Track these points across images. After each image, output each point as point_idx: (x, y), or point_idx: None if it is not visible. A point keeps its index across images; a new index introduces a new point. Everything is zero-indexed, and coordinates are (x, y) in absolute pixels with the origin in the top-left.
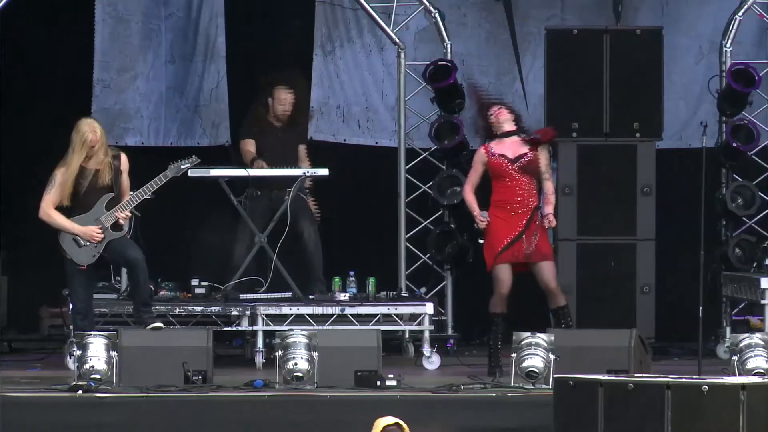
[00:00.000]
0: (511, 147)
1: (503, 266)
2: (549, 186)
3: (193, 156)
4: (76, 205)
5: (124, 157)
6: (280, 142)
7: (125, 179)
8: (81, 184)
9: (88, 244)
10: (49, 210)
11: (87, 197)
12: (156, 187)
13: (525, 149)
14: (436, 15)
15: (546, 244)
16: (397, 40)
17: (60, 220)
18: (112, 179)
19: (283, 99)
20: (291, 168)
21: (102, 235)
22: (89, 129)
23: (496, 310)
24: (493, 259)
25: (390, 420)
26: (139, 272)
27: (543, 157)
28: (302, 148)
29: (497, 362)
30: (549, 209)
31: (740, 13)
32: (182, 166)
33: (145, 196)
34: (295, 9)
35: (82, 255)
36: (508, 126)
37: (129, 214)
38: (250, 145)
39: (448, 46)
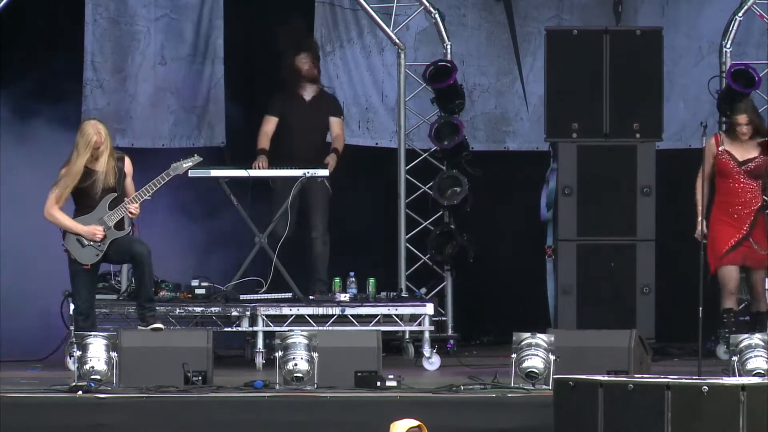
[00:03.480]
0: (742, 147)
1: (728, 267)
2: None
3: (195, 155)
4: (80, 206)
5: (128, 160)
6: (306, 118)
7: (129, 182)
8: (86, 185)
9: (91, 243)
10: (52, 210)
11: (91, 198)
12: (159, 186)
13: (755, 152)
14: (436, 15)
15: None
16: (397, 41)
17: (63, 220)
18: (116, 181)
19: (301, 61)
20: (315, 147)
21: (104, 234)
22: (94, 131)
23: (726, 305)
24: (719, 261)
25: (413, 422)
26: (144, 267)
27: None
28: (334, 121)
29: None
30: None
31: (740, 14)
32: (184, 165)
33: (149, 195)
34: (294, 9)
35: (86, 254)
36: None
37: (138, 208)
38: (269, 123)
39: (448, 46)
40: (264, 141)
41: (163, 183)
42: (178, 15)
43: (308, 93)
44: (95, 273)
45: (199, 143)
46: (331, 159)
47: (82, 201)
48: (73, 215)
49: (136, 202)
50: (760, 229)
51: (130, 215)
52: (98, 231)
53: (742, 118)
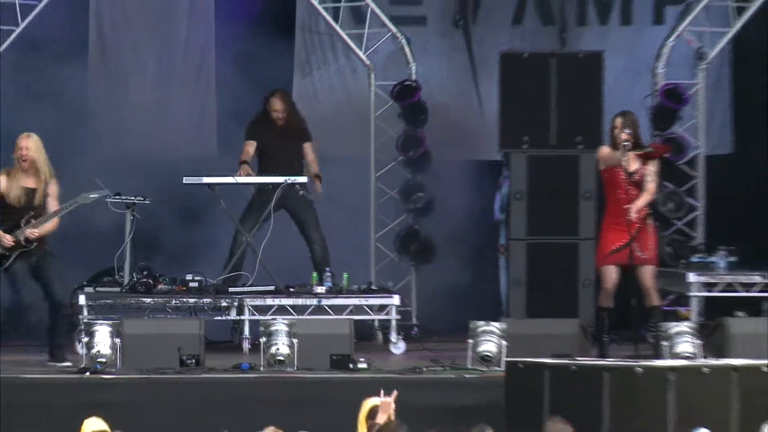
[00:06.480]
0: (628, 159)
1: (608, 267)
2: (650, 187)
3: (105, 189)
4: (4, 218)
5: (53, 184)
6: (281, 142)
7: (51, 203)
8: (18, 199)
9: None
10: None
11: (19, 212)
12: (65, 212)
13: (637, 164)
14: (403, 40)
15: (651, 251)
16: (368, 63)
17: None
18: (41, 201)
19: (274, 107)
20: (291, 168)
21: (11, 243)
22: (21, 144)
23: (603, 304)
24: (602, 261)
25: (377, 401)
26: (56, 315)
27: (651, 167)
28: (307, 146)
29: (605, 353)
30: (639, 202)
31: (671, 39)
32: (91, 196)
33: (52, 219)
34: (277, 34)
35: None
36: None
37: (36, 232)
38: (248, 146)
39: (413, 67)
40: (245, 156)
41: (66, 210)
42: (172, 38)
43: (281, 121)
44: (15, 277)
45: (193, 153)
46: (317, 185)
47: (6, 213)
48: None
49: (35, 228)
50: (644, 234)
51: (28, 237)
52: (6, 239)
53: (617, 121)
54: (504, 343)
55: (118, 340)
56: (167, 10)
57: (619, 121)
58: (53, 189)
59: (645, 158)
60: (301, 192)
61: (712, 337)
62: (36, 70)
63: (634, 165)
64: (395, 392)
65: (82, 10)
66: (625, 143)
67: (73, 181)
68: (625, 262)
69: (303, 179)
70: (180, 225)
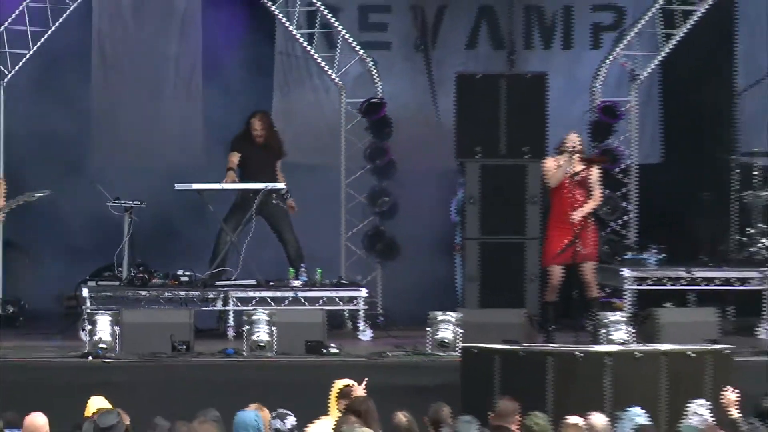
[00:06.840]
0: (573, 163)
1: (555, 267)
2: (596, 195)
3: (46, 190)
4: None
5: (2, 184)
6: (260, 156)
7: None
8: None
9: None
10: None
11: None
12: (11, 208)
13: (581, 167)
14: (370, 62)
15: (592, 248)
16: (339, 82)
17: None
18: None
19: (254, 126)
20: (268, 179)
21: None
22: None
23: (548, 299)
24: (550, 261)
25: (346, 382)
26: None
27: (594, 173)
28: (278, 164)
29: (552, 341)
30: (585, 209)
31: (607, 62)
32: (34, 195)
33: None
34: (259, 57)
35: None
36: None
37: None
38: (233, 157)
39: (379, 87)
40: (230, 164)
41: (13, 206)
42: (164, 59)
43: (261, 138)
44: None
45: (181, 163)
46: (292, 201)
47: None
48: None
49: None
50: (585, 232)
51: None
52: None
53: (573, 137)
54: (459, 330)
55: (117, 328)
56: (161, 32)
57: (574, 137)
58: (1, 189)
59: (587, 162)
60: (274, 201)
61: (643, 326)
62: (46, 87)
63: (578, 167)
64: (366, 380)
65: (86, 32)
66: (572, 149)
67: (81, 185)
68: (569, 262)
69: (281, 185)
70: (173, 225)
